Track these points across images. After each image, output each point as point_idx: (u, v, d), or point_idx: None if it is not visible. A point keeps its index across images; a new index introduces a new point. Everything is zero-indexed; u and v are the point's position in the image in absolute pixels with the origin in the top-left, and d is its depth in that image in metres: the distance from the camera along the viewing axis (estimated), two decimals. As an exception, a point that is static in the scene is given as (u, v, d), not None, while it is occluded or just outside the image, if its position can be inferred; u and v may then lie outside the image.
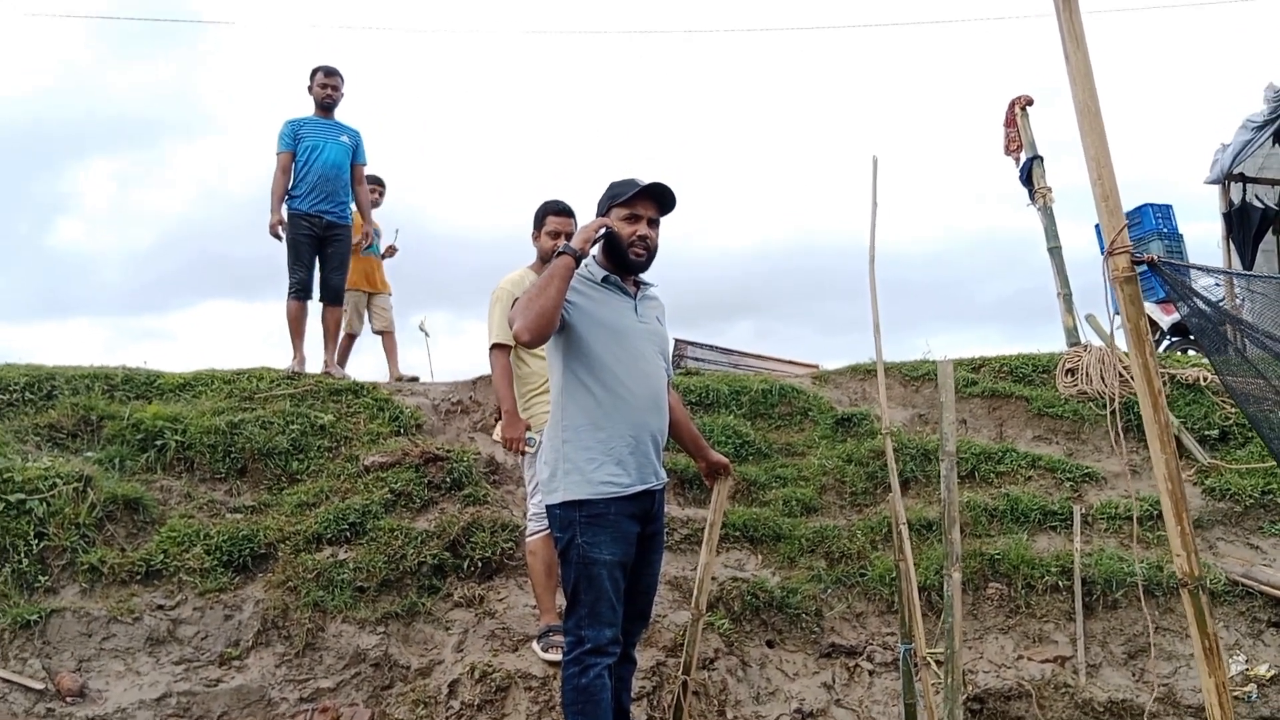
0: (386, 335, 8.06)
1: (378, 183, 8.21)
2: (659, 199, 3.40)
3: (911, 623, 3.73)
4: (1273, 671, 4.90)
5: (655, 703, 4.51)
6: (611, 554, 3.21)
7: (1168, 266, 2.62)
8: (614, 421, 3.28)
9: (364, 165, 7.38)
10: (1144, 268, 2.96)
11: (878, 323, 4.10)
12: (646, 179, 3.41)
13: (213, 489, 5.60)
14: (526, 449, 4.37)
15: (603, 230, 3.32)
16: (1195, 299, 2.86)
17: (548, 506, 3.37)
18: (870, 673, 4.96)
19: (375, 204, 8.03)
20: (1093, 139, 2.34)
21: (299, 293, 7.05)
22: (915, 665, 3.65)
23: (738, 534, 5.89)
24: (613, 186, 3.44)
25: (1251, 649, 5.08)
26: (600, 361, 3.28)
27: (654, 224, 3.42)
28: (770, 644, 5.17)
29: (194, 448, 5.73)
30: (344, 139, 7.19)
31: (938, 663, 5.08)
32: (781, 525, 5.96)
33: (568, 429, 3.29)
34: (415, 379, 7.70)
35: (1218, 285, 8.74)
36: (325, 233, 7.08)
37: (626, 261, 3.38)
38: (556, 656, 4.27)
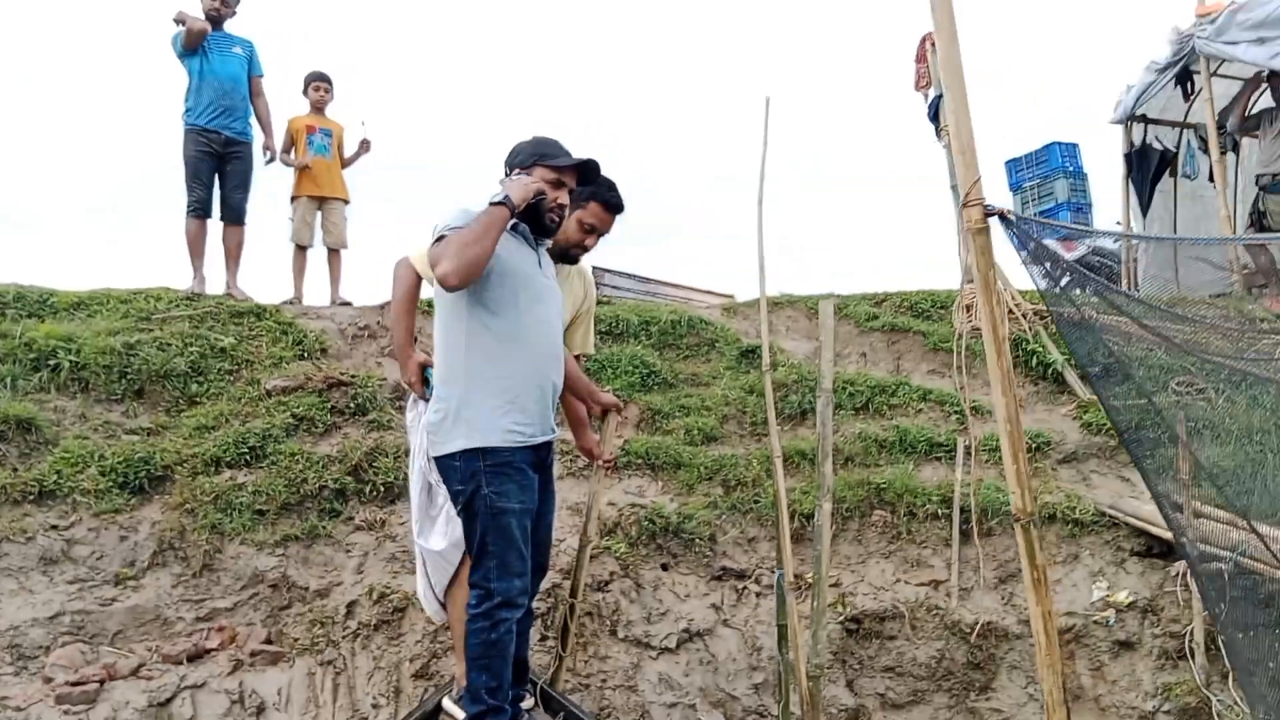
0: (334, 253, 7.69)
1: (324, 80, 7.72)
2: (584, 174, 3.43)
3: (782, 548, 3.93)
4: (1131, 598, 5.26)
5: (549, 623, 4.69)
6: (520, 502, 3.19)
7: (1018, 221, 2.75)
8: (516, 368, 3.25)
9: (261, 77, 7.18)
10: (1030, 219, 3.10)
11: (763, 262, 4.23)
12: (573, 147, 3.43)
13: (108, 410, 5.52)
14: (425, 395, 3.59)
15: (539, 193, 3.30)
16: (1042, 254, 3.02)
17: (441, 458, 3.24)
18: (757, 594, 5.20)
19: (325, 102, 7.73)
20: (954, 95, 2.44)
21: (197, 211, 6.89)
22: (785, 589, 3.86)
23: (639, 462, 6.04)
24: (541, 143, 3.42)
25: (1114, 576, 5.45)
26: (505, 306, 3.24)
27: (571, 194, 3.44)
28: (665, 567, 5.37)
29: (88, 368, 5.62)
30: (236, 50, 6.97)
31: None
32: (682, 453, 6.12)
33: (471, 374, 3.21)
34: (348, 304, 7.55)
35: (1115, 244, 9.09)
36: (224, 149, 6.91)
37: (542, 223, 3.38)
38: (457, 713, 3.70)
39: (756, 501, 5.75)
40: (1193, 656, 4.75)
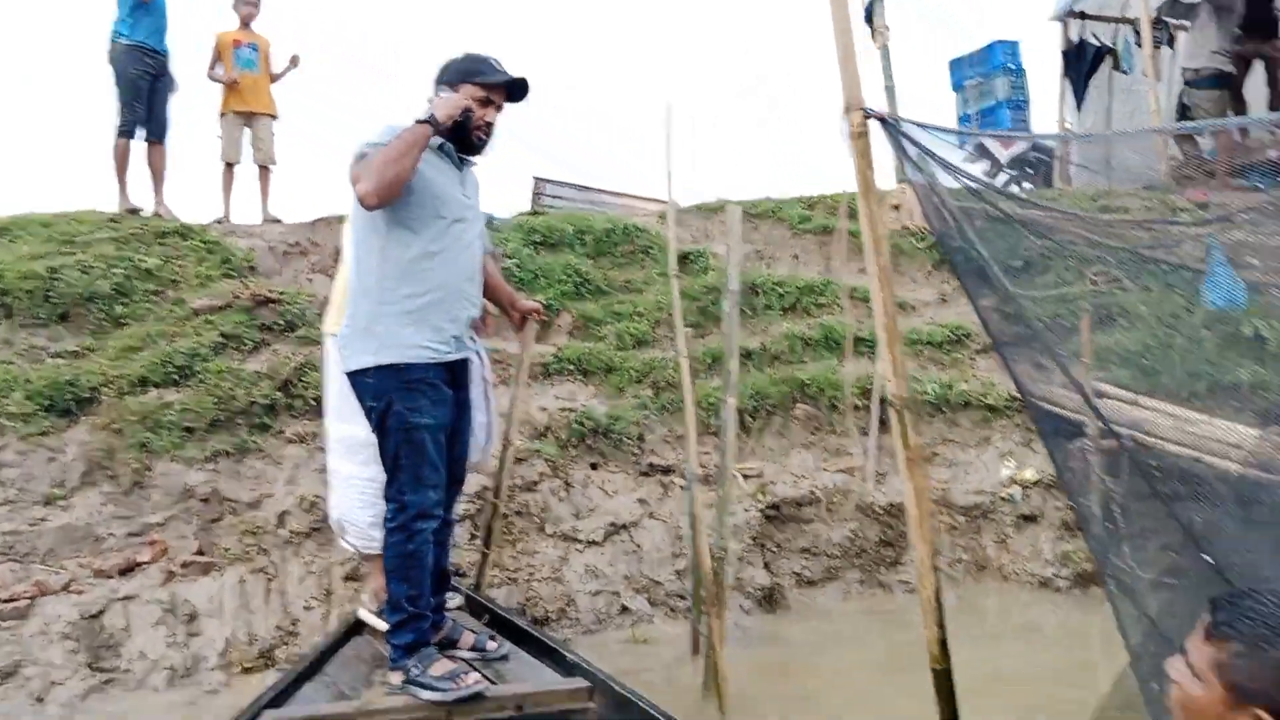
0: (263, 170, 7.60)
1: None
2: (514, 91, 3.35)
3: (689, 442, 4.09)
4: (1037, 476, 5.52)
5: (478, 524, 4.84)
6: (433, 418, 3.18)
7: (895, 123, 2.83)
8: (432, 287, 3.21)
9: None
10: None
11: (670, 169, 4.29)
12: (505, 64, 3.36)
13: (33, 335, 5.52)
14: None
15: (466, 111, 3.22)
16: (921, 157, 3.11)
17: (354, 373, 3.21)
18: (682, 488, 5.37)
19: (253, 17, 7.56)
20: (838, 3, 2.51)
21: (130, 131, 6.81)
22: (692, 479, 4.02)
23: (571, 368, 6.15)
24: (471, 59, 3.34)
25: (1022, 456, 5.69)
26: (424, 225, 3.19)
27: (499, 110, 3.37)
28: (594, 467, 5.54)
29: (11, 293, 5.59)
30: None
31: (745, 476, 5.55)
32: (614, 358, 6.25)
33: (385, 291, 3.16)
34: (278, 221, 7.51)
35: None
36: (159, 69, 6.87)
37: (469, 142, 3.31)
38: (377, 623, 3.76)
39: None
40: (1089, 526, 5.00)
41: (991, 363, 6.30)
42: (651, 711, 2.81)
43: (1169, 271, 7.06)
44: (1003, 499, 5.35)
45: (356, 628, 3.76)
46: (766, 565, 5.11)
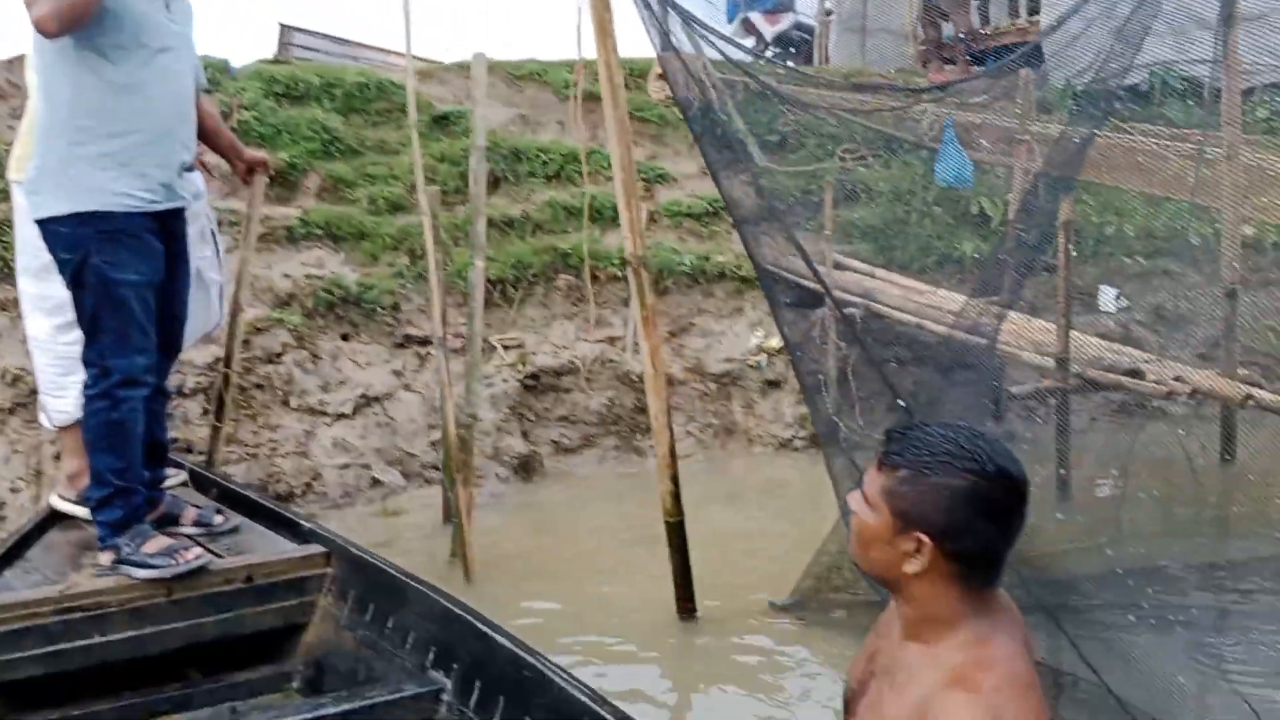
0: None
1: None
2: None
3: (432, 309, 3.98)
4: (781, 345, 5.80)
5: (210, 396, 4.54)
6: (138, 274, 2.85)
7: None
8: (134, 125, 2.84)
9: None
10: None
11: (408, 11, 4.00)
12: None
13: None
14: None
15: None
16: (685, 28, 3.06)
17: (45, 221, 2.83)
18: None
19: None
20: None
21: None
22: (441, 347, 3.93)
23: (320, 232, 5.80)
24: None
25: (770, 325, 5.94)
26: (122, 54, 2.79)
27: None
28: (345, 337, 5.30)
29: None
30: None
31: (506, 347, 5.51)
32: (366, 223, 5.94)
33: (79, 129, 2.77)
34: None
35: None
36: None
37: None
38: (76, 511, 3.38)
39: (445, 269, 5.72)
40: (826, 390, 5.35)
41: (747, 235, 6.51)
42: (391, 571, 2.76)
43: (908, 150, 7.46)
44: (750, 366, 5.60)
45: (55, 517, 3.41)
46: (525, 434, 5.14)
